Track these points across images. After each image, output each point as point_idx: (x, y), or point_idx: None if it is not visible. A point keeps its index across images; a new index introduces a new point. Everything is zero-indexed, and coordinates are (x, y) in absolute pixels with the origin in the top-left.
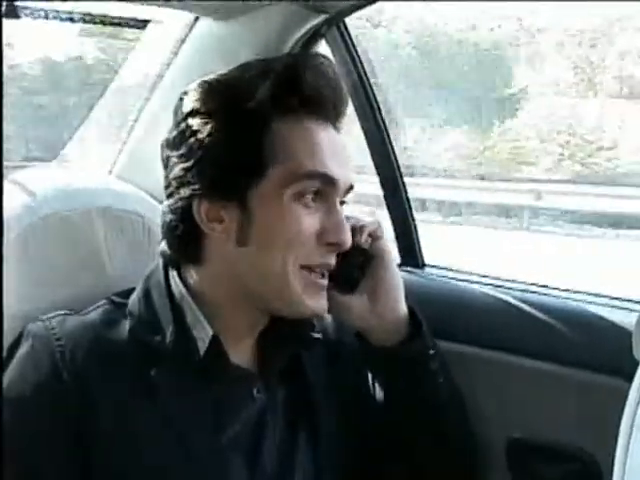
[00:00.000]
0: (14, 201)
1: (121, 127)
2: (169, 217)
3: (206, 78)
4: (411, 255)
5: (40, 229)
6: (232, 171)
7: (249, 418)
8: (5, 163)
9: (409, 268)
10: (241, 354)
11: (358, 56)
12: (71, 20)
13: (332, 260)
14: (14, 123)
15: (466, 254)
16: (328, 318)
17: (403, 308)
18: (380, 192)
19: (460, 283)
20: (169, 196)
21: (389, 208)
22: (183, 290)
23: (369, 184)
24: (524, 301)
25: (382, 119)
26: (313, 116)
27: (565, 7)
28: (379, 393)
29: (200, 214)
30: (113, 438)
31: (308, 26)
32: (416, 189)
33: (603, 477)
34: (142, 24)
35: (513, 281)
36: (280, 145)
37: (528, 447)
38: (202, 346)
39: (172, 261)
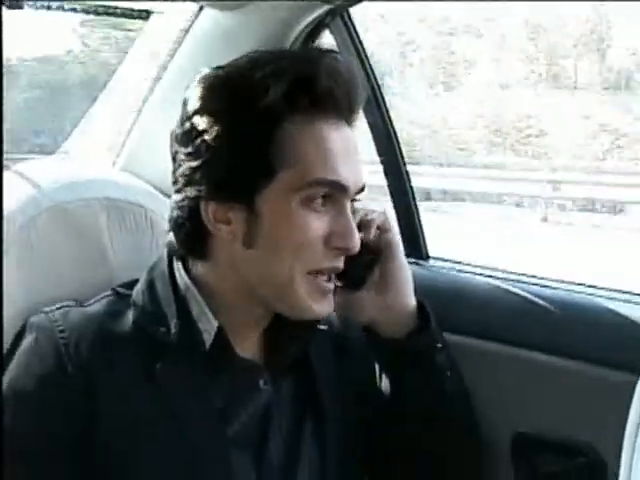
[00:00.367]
0: (18, 193)
1: (124, 119)
2: (176, 213)
3: (215, 72)
4: (415, 247)
5: (44, 221)
6: (240, 174)
7: (255, 410)
8: (8, 155)
9: (413, 260)
10: (247, 346)
11: (362, 47)
12: (73, 11)
13: (340, 263)
14: (17, 114)
15: None
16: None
17: (412, 301)
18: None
19: (464, 275)
20: (177, 192)
21: (393, 200)
22: (188, 281)
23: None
24: (529, 293)
25: (386, 110)
26: (326, 116)
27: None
28: (386, 385)
29: (207, 214)
30: (117, 430)
31: (312, 16)
32: None
33: (609, 472)
34: (145, 14)
35: (518, 273)
36: (290, 148)
37: (533, 441)
38: (208, 338)
39: (178, 253)
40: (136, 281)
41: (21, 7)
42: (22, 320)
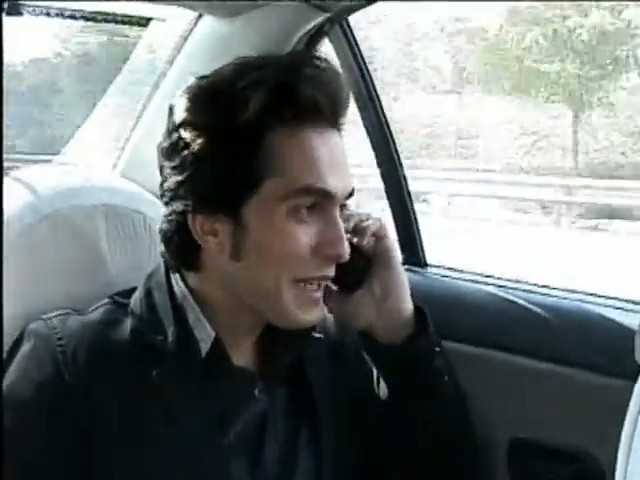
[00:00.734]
0: (16, 199)
1: (123, 125)
2: (165, 226)
3: (198, 83)
4: (413, 254)
5: (43, 227)
6: (224, 186)
7: (251, 419)
8: (7, 162)
9: (411, 267)
10: (242, 354)
11: (360, 54)
12: (73, 18)
13: (330, 272)
14: (17, 120)
15: None
16: (329, 317)
17: (409, 307)
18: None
19: (462, 282)
20: (165, 204)
21: (391, 207)
22: (185, 290)
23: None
24: (527, 301)
25: (384, 117)
26: (311, 124)
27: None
28: (383, 390)
29: (195, 227)
30: (115, 438)
31: (311, 24)
32: None
33: (605, 478)
34: (145, 22)
35: (516, 281)
36: (275, 158)
37: (530, 447)
38: (204, 347)
39: (171, 264)
40: (133, 289)
41: (21, 14)
42: (20, 326)
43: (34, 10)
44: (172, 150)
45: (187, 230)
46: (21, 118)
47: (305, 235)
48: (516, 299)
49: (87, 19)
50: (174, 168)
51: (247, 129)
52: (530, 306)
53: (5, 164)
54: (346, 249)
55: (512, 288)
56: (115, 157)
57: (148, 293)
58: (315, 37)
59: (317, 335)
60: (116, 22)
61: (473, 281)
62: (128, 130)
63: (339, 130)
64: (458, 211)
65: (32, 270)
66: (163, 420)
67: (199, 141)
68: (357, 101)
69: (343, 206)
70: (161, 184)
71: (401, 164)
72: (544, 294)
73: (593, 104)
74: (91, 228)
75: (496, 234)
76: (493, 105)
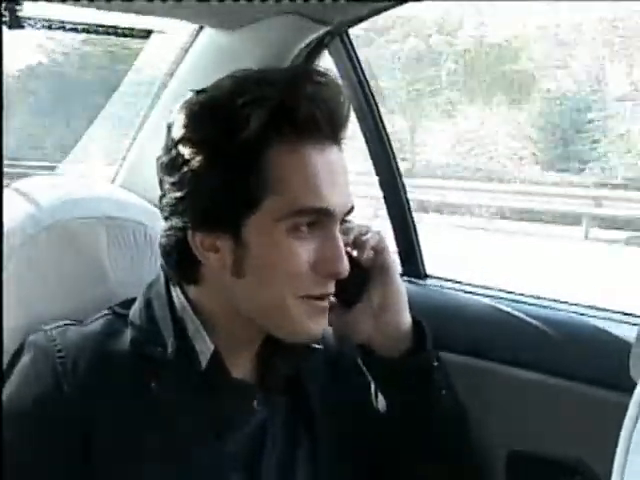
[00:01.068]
0: (17, 211)
1: (124, 136)
2: (165, 241)
3: (197, 98)
4: (413, 265)
5: (43, 238)
6: (224, 204)
7: (250, 431)
8: (8, 170)
9: (411, 278)
10: (241, 367)
11: (360, 66)
12: (75, 31)
13: (330, 289)
14: (20, 132)
15: None
16: (328, 330)
17: (407, 320)
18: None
19: (462, 294)
20: (165, 219)
21: (391, 218)
22: (185, 302)
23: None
24: (526, 313)
25: (384, 128)
26: (310, 141)
27: None
28: (381, 403)
29: (195, 243)
30: (114, 450)
31: (311, 37)
32: None
33: None
34: (146, 34)
35: (516, 293)
36: (274, 176)
37: (528, 460)
38: (203, 359)
39: (171, 276)
40: (133, 300)
41: (22, 27)
42: (21, 337)
43: (36, 23)
44: (171, 166)
45: (187, 245)
46: (24, 127)
47: (305, 252)
48: (515, 311)
49: (88, 32)
50: (173, 184)
51: (246, 147)
52: (529, 318)
53: (7, 172)
54: (345, 266)
55: (512, 300)
56: (115, 168)
57: (148, 304)
58: (315, 50)
59: (316, 346)
60: (117, 35)
61: (473, 293)
62: (128, 141)
63: (339, 145)
64: None
65: (33, 281)
66: (161, 431)
67: (198, 158)
68: (356, 112)
69: (344, 221)
70: (160, 198)
71: (400, 175)
72: (543, 306)
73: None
74: (92, 239)
75: None
76: None
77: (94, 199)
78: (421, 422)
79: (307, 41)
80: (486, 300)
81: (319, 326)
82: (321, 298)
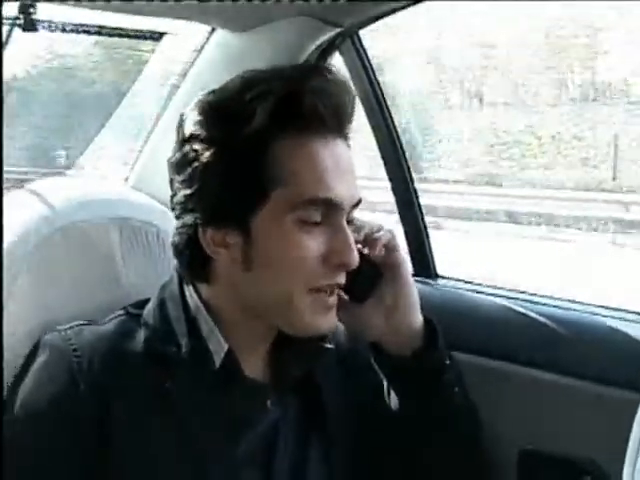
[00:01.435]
0: (32, 212)
1: (137, 137)
2: (177, 239)
3: (206, 97)
4: (424, 266)
5: (57, 240)
6: (232, 199)
7: (263, 430)
8: (19, 171)
9: (422, 279)
10: (254, 366)
11: (371, 66)
12: (88, 33)
13: (341, 279)
14: (31, 133)
15: None
16: (341, 328)
17: (418, 319)
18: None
19: (474, 295)
20: (176, 218)
21: (402, 218)
22: (198, 302)
23: None
24: (538, 313)
25: (395, 129)
26: (316, 134)
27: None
28: (393, 402)
29: (206, 240)
30: (129, 448)
31: (322, 39)
32: None
33: None
34: (158, 36)
35: (528, 293)
36: (281, 169)
37: (539, 459)
38: (217, 359)
39: (184, 276)
40: (147, 300)
41: (36, 29)
42: (36, 338)
43: (49, 26)
44: (181, 164)
45: (198, 243)
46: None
47: (314, 244)
48: (527, 311)
49: (101, 34)
50: (183, 182)
51: (253, 140)
52: (542, 318)
53: (16, 176)
54: (355, 257)
55: (523, 300)
56: (128, 169)
57: (161, 304)
58: (326, 51)
59: (329, 346)
60: (129, 37)
61: (484, 293)
62: (141, 143)
63: (346, 139)
64: None
65: (47, 282)
66: (175, 431)
67: (206, 154)
68: (367, 113)
69: (350, 221)
70: (172, 198)
71: (412, 176)
72: (555, 306)
73: None
74: (105, 240)
75: None
76: None
77: (107, 200)
78: (433, 420)
79: (318, 42)
80: (497, 300)
81: (328, 322)
82: (330, 293)
